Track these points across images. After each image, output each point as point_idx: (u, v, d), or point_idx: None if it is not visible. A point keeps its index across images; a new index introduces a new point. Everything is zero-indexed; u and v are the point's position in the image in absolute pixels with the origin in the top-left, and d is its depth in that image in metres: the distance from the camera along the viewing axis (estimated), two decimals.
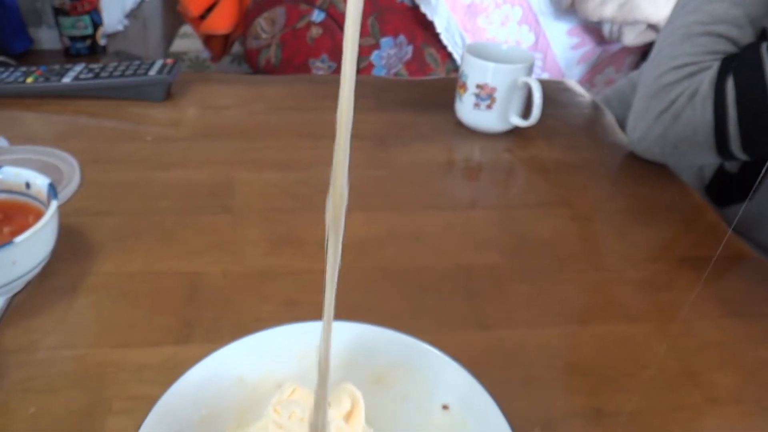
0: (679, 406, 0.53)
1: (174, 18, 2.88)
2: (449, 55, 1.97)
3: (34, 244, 0.57)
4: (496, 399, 0.42)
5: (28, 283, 0.61)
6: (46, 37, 3.31)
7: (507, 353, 0.57)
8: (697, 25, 0.82)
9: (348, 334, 0.45)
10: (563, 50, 2.05)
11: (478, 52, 0.93)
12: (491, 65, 0.88)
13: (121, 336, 0.56)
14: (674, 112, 0.81)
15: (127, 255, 0.66)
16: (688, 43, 0.83)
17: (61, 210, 0.71)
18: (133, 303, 0.60)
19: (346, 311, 0.43)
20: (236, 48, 2.46)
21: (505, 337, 0.59)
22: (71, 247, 0.66)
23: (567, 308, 0.63)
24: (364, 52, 2.00)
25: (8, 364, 0.53)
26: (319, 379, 0.35)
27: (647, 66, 0.89)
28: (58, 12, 3.13)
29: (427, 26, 1.92)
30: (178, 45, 2.66)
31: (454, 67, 1.96)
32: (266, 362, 0.43)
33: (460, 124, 0.96)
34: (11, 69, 1.01)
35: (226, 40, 2.41)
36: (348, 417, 0.38)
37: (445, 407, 0.43)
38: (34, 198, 0.63)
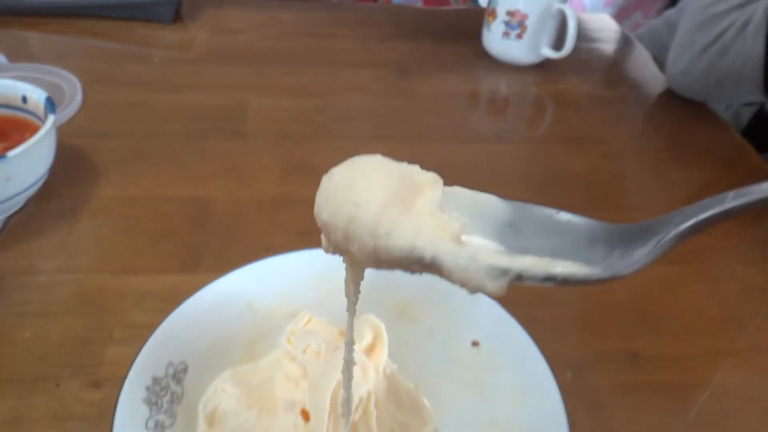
0: (723, 352, 0.49)
1: None
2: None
3: (30, 160, 0.52)
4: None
5: (26, 205, 0.57)
6: None
7: (536, 293, 0.53)
8: None
9: None
10: None
11: None
12: None
13: (123, 262, 0.53)
14: (722, 45, 0.75)
15: (131, 179, 0.62)
16: None
17: (62, 130, 0.66)
18: (137, 228, 0.56)
19: None
20: None
21: None
22: (72, 168, 0.62)
23: None
24: None
25: (3, 288, 0.49)
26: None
27: None
28: None
29: None
30: None
31: (475, 5, 1.87)
32: (278, 289, 0.39)
33: (485, 56, 0.90)
34: None
35: None
36: (370, 350, 0.34)
37: (474, 344, 0.39)
38: (32, 113, 0.59)
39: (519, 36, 0.85)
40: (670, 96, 0.84)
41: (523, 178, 0.67)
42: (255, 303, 0.40)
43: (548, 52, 0.86)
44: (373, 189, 0.17)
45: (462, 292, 0.40)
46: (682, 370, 0.48)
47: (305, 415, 0.32)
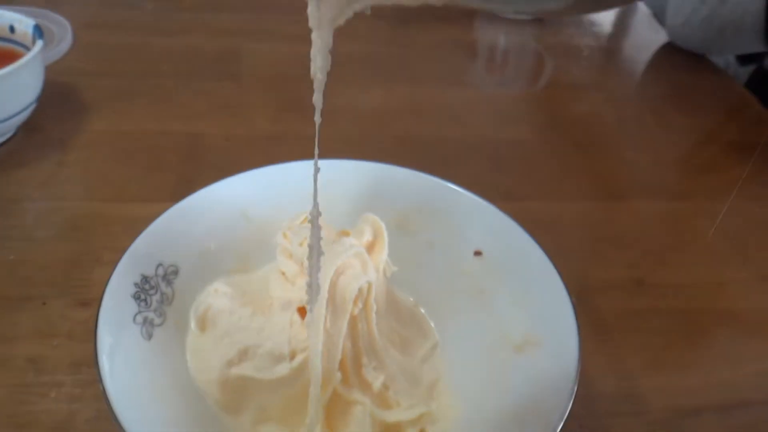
0: (729, 281, 0.48)
1: None
2: None
3: (16, 84, 0.51)
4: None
5: (13, 137, 0.55)
6: None
7: (538, 223, 0.51)
8: None
9: (365, 173, 0.40)
10: None
11: None
12: None
13: (114, 191, 0.51)
14: None
15: (123, 115, 0.60)
16: None
17: (52, 69, 0.65)
18: (128, 160, 0.55)
19: None
20: None
21: (536, 208, 0.53)
22: (61, 105, 0.60)
23: (604, 184, 0.57)
24: None
25: None
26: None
27: None
28: None
29: None
30: None
31: None
32: (273, 198, 0.37)
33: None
34: None
35: None
36: (369, 249, 0.33)
37: (477, 253, 0.37)
38: (19, 44, 0.57)
39: None
40: (670, 48, 0.82)
41: (525, 120, 0.65)
42: (249, 212, 0.38)
43: None
44: None
45: (463, 202, 0.38)
46: (688, 296, 0.46)
47: (302, 312, 0.30)
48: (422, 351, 0.35)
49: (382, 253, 0.33)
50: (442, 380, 0.35)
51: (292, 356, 0.29)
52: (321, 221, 0.34)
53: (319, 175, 0.39)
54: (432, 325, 0.38)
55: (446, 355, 0.36)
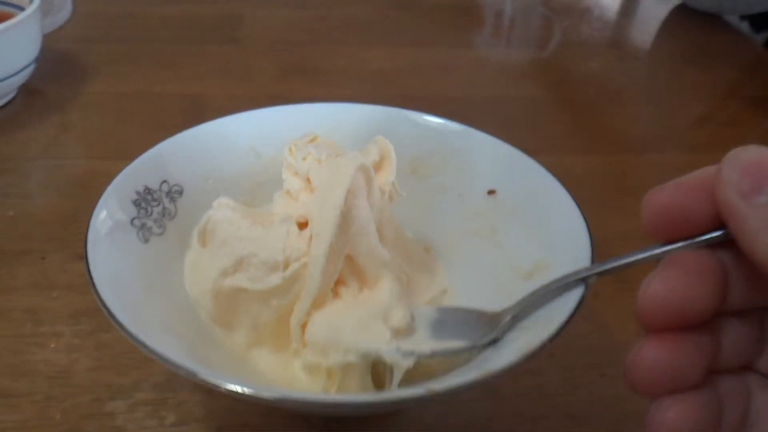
0: None
1: None
2: None
3: (12, 42, 0.49)
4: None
5: (12, 101, 0.54)
6: None
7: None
8: None
9: (377, 117, 0.38)
10: None
11: None
12: None
13: (114, 149, 0.50)
14: None
15: (122, 78, 0.59)
16: None
17: (51, 36, 0.64)
18: (128, 120, 0.53)
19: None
20: None
21: (549, 162, 0.51)
22: (61, 69, 0.59)
23: (618, 138, 0.55)
24: None
25: None
26: None
27: None
28: None
29: None
30: None
31: None
32: (283, 137, 0.36)
33: None
34: None
35: None
36: (376, 168, 0.31)
37: (491, 192, 0.36)
38: (16, 6, 0.55)
39: None
40: (684, 10, 0.80)
41: (535, 77, 0.63)
42: (258, 148, 0.37)
43: None
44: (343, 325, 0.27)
45: (480, 146, 0.37)
46: None
47: (300, 224, 0.29)
48: (428, 295, 0.34)
49: (389, 174, 0.31)
50: None
51: (286, 266, 0.28)
52: (327, 141, 0.33)
53: (329, 118, 0.38)
54: (441, 270, 0.36)
55: (455, 299, 0.34)
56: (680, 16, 0.80)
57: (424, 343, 0.27)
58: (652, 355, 0.20)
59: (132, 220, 0.30)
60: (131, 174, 0.31)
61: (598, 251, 0.43)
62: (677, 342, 0.19)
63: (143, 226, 0.30)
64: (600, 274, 0.26)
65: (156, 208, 0.32)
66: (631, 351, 0.20)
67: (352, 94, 0.61)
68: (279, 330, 0.29)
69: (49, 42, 0.58)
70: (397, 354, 0.26)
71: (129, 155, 0.49)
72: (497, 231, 0.35)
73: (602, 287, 0.40)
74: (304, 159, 0.30)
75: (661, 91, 0.63)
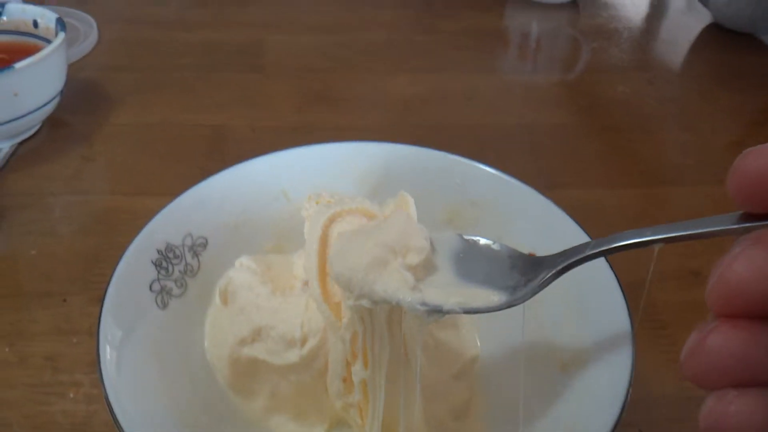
0: None
1: None
2: None
3: (38, 76, 0.49)
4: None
5: (38, 132, 0.54)
6: None
7: (582, 212, 0.48)
8: None
9: (411, 158, 0.37)
10: None
11: None
12: None
13: (137, 184, 0.50)
14: None
15: (146, 107, 0.59)
16: None
17: (77, 65, 0.64)
18: (151, 152, 0.53)
19: None
20: None
21: (579, 196, 0.50)
22: (85, 99, 0.59)
23: (650, 167, 0.53)
24: None
25: (10, 207, 0.47)
26: None
27: None
28: None
29: None
30: None
31: None
32: (315, 179, 0.35)
33: None
34: None
35: None
36: None
37: (530, 255, 0.34)
38: (42, 38, 0.55)
39: None
40: (715, 29, 0.78)
41: (563, 103, 0.62)
42: (290, 192, 0.36)
43: None
44: (359, 260, 0.24)
45: (517, 198, 0.35)
46: None
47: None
48: (458, 363, 0.32)
49: None
50: (474, 401, 0.31)
51: (303, 342, 0.27)
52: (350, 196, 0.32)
53: (363, 159, 0.37)
54: (475, 332, 0.35)
55: (485, 370, 0.33)
56: (712, 35, 0.77)
57: (448, 286, 0.24)
58: (722, 343, 0.17)
59: (151, 285, 0.29)
60: (153, 231, 0.31)
61: (633, 295, 0.42)
62: (753, 331, 0.17)
63: (162, 289, 0.30)
64: (668, 240, 0.24)
65: (177, 266, 0.31)
66: (692, 337, 0.18)
67: (376, 124, 0.60)
68: (299, 399, 0.28)
69: (74, 71, 0.59)
70: (420, 309, 0.23)
71: (152, 191, 0.49)
72: (534, 299, 0.33)
73: (638, 335, 0.39)
74: (317, 203, 0.29)
75: (694, 117, 0.61)
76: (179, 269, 0.31)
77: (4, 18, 0.57)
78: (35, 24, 0.56)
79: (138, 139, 0.54)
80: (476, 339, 0.34)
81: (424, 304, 0.23)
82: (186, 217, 0.33)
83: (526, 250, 0.34)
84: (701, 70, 0.71)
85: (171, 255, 0.31)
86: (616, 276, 0.31)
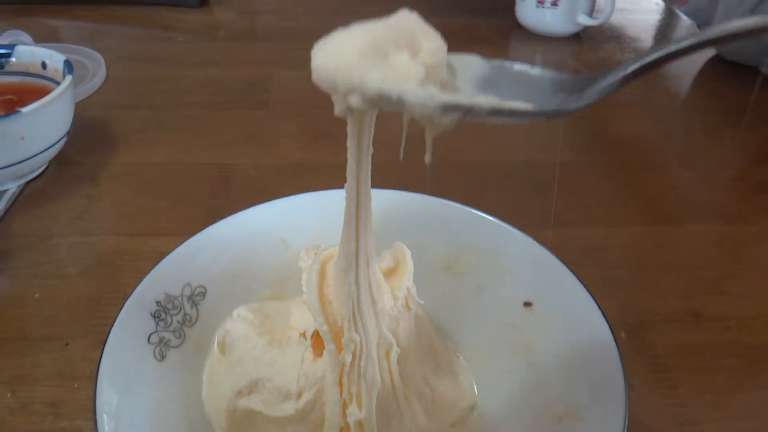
0: None
1: None
2: None
3: (45, 120, 0.50)
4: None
5: (44, 172, 0.55)
6: None
7: (584, 252, 0.49)
8: None
9: (410, 205, 0.37)
10: None
11: None
12: None
13: (141, 225, 0.50)
14: None
15: (152, 146, 0.59)
16: None
17: (84, 104, 0.65)
18: (156, 192, 0.54)
19: None
20: None
21: (582, 235, 0.50)
22: (92, 138, 0.60)
23: (653, 207, 0.53)
24: None
25: (16, 249, 0.47)
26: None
27: None
28: None
29: None
30: None
31: None
32: (314, 227, 0.35)
33: (520, 28, 0.86)
34: None
35: None
36: (389, 274, 0.30)
37: (527, 304, 0.34)
38: (51, 79, 0.57)
39: (554, 4, 0.80)
40: (719, 62, 0.78)
41: (566, 140, 0.62)
42: (289, 240, 0.36)
43: (585, 20, 0.81)
44: (350, 46, 0.20)
45: (515, 246, 0.35)
46: (751, 329, 0.42)
47: (317, 347, 0.28)
48: (455, 411, 0.32)
49: (402, 280, 0.30)
50: None
51: (299, 395, 0.27)
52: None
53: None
54: (473, 380, 0.35)
55: (482, 419, 0.33)
56: (716, 69, 0.78)
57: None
58: None
59: (149, 337, 0.30)
60: (152, 283, 0.31)
61: (632, 337, 0.42)
62: None
63: (161, 341, 0.30)
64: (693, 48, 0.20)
65: (176, 316, 0.31)
66: None
67: (379, 162, 0.60)
68: None
69: (81, 109, 0.59)
70: (432, 101, 0.18)
71: (156, 231, 0.49)
72: (531, 349, 0.33)
73: (638, 379, 0.38)
74: (315, 254, 0.29)
75: (698, 153, 0.61)
76: (178, 320, 0.31)
77: (14, 59, 0.58)
78: (44, 65, 0.57)
79: (143, 178, 0.55)
80: (474, 387, 0.34)
81: (434, 97, 0.18)
82: (185, 267, 0.33)
83: (521, 300, 0.34)
84: (705, 104, 0.71)
85: (170, 306, 0.31)
86: (609, 326, 0.31)
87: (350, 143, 0.23)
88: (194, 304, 0.32)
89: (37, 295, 0.43)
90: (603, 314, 0.31)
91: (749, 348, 0.41)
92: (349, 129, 0.24)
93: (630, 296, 0.45)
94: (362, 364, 0.26)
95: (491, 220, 0.36)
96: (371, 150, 0.24)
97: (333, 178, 0.56)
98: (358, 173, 0.24)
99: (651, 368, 0.40)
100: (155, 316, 0.30)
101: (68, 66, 0.54)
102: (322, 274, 0.27)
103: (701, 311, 0.44)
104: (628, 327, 0.43)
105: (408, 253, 0.30)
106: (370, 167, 0.24)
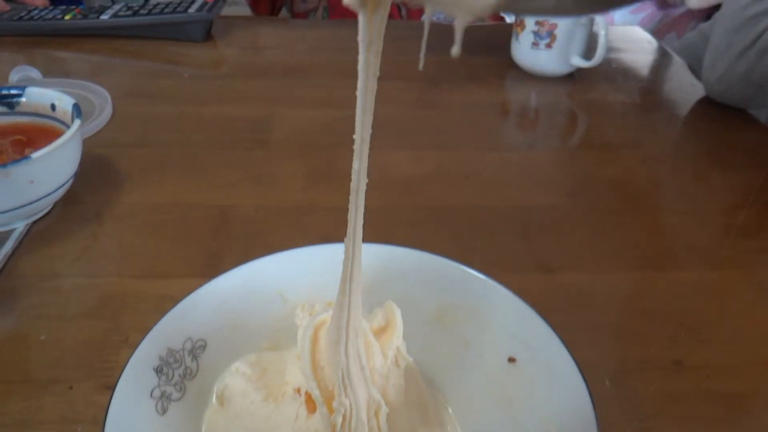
0: None
1: None
2: (501, 19, 1.87)
3: (54, 164, 0.52)
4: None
5: (51, 210, 0.57)
6: None
7: (571, 297, 0.50)
8: None
9: (403, 261, 0.39)
10: (622, 14, 1.92)
11: None
12: None
13: (144, 266, 0.52)
14: (761, 47, 0.72)
15: (155, 186, 0.61)
16: None
17: (91, 141, 0.67)
18: (159, 233, 0.55)
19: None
20: (283, 14, 2.41)
21: (568, 281, 0.52)
22: (98, 176, 0.62)
23: (639, 253, 0.55)
24: (413, 16, 1.92)
25: (22, 290, 0.49)
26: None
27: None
28: None
29: None
30: (226, 11, 2.64)
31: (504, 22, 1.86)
32: (312, 282, 0.37)
33: (516, 67, 0.88)
34: (51, 7, 0.98)
35: (273, 4, 2.35)
36: (379, 333, 0.32)
37: (511, 360, 0.36)
38: (59, 121, 0.59)
39: (548, 46, 0.83)
40: (708, 103, 0.81)
41: (556, 183, 0.64)
42: (287, 294, 0.38)
43: (579, 62, 0.84)
44: None
45: (501, 302, 0.37)
46: (732, 378, 0.44)
47: (310, 404, 0.30)
48: None
49: (392, 339, 0.32)
50: None
51: None
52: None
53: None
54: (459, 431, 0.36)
55: None
56: (704, 110, 0.80)
57: None
58: None
59: (152, 392, 0.31)
60: (156, 338, 0.33)
61: (616, 384, 0.43)
62: None
63: (162, 394, 0.32)
64: None
65: (177, 370, 0.33)
66: None
67: (377, 205, 0.62)
68: None
69: (88, 147, 0.61)
70: None
71: (158, 273, 0.51)
72: (513, 403, 0.34)
73: (620, 428, 0.40)
74: (309, 314, 0.31)
75: (684, 198, 0.63)
76: (179, 373, 0.33)
77: (24, 99, 0.60)
78: (53, 107, 0.59)
79: (146, 218, 0.57)
80: None
81: None
82: (187, 322, 0.34)
83: (506, 355, 0.36)
84: (693, 147, 0.73)
85: (171, 360, 0.33)
86: (586, 384, 0.32)
87: (361, 43, 0.23)
88: (195, 357, 0.34)
89: (42, 337, 0.45)
90: (580, 372, 0.32)
91: (729, 397, 0.43)
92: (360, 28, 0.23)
93: (615, 343, 0.47)
94: (352, 425, 0.27)
95: (478, 277, 0.38)
96: (379, 58, 0.23)
97: (333, 220, 0.58)
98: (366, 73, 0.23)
99: (633, 416, 0.41)
100: (158, 370, 0.32)
101: (77, 110, 0.56)
102: (314, 340, 0.29)
103: (683, 359, 0.45)
104: (613, 374, 0.44)
105: (398, 313, 0.32)
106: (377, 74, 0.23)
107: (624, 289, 0.51)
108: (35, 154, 0.50)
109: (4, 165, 0.48)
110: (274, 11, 2.41)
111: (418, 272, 0.38)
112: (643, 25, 2.00)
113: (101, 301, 0.48)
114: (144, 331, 0.45)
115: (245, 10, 2.45)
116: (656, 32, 1.99)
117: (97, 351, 0.44)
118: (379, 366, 0.30)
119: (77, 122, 0.55)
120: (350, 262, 0.27)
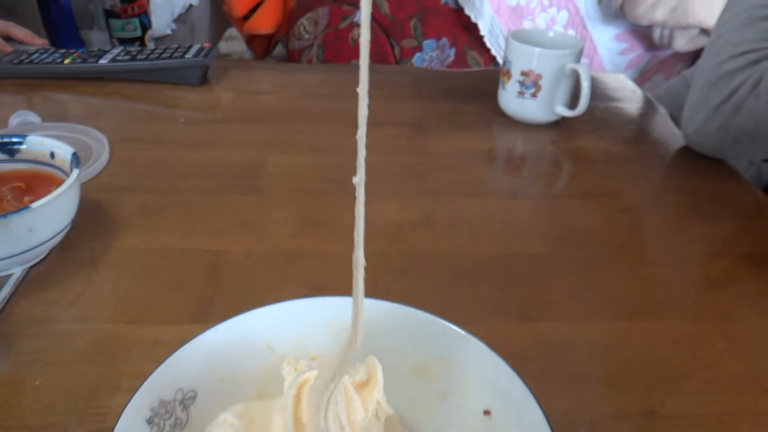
0: (746, 411, 0.47)
1: (220, 22, 2.91)
2: (493, 59, 1.92)
3: (52, 213, 0.54)
4: (538, 399, 0.36)
5: (47, 255, 0.59)
6: (97, 39, 3.35)
7: (550, 347, 0.52)
8: (760, 8, 0.76)
9: (385, 314, 0.41)
10: (611, 56, 1.97)
11: (524, 38, 0.88)
12: (537, 50, 0.84)
13: (137, 312, 0.53)
14: (735, 103, 0.75)
15: (150, 231, 0.63)
16: (750, 28, 0.76)
17: (87, 186, 0.69)
18: (152, 279, 0.57)
19: (376, 296, 0.39)
20: (279, 50, 2.46)
21: (548, 330, 0.54)
22: (94, 221, 0.64)
23: (617, 303, 0.57)
24: (406, 54, 1.96)
25: (18, 335, 0.50)
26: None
27: (705, 54, 0.83)
28: (109, 14, 3.17)
29: (471, 29, 1.87)
30: (223, 47, 2.69)
31: (496, 67, 1.90)
32: (299, 334, 0.39)
33: (502, 115, 0.91)
34: (51, 50, 1.00)
35: (269, 41, 2.40)
36: (361, 387, 0.33)
37: (486, 413, 0.38)
38: (58, 168, 0.61)
39: (534, 95, 0.86)
40: (688, 152, 0.84)
41: (538, 232, 0.66)
42: (274, 345, 0.40)
43: (563, 111, 0.87)
44: None
45: (477, 356, 0.39)
46: (704, 428, 0.46)
47: None
48: None
49: (373, 393, 0.33)
50: None
51: None
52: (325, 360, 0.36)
53: (344, 315, 0.40)
54: None
55: None
56: (683, 160, 0.83)
57: None
58: None
59: None
60: (149, 389, 0.34)
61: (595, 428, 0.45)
62: None
63: None
64: None
65: (168, 420, 0.34)
66: None
67: (366, 252, 0.64)
68: None
69: (84, 192, 0.63)
70: None
71: (150, 319, 0.53)
72: None
73: None
74: (295, 369, 0.33)
75: (662, 248, 0.66)
76: (170, 423, 0.34)
77: (24, 146, 0.62)
78: (52, 155, 0.61)
79: (140, 264, 0.59)
80: None
81: None
82: (178, 373, 0.36)
83: (482, 407, 0.38)
84: (673, 197, 0.76)
85: (163, 411, 0.34)
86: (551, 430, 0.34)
87: None
88: (185, 408, 0.36)
89: (37, 383, 0.46)
90: (549, 425, 0.34)
91: None
92: None
93: (592, 392, 0.49)
94: None
95: (457, 331, 0.39)
96: None
97: (321, 268, 0.60)
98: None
99: None
100: (149, 421, 0.34)
101: (76, 159, 0.59)
102: (297, 398, 0.30)
103: (656, 409, 0.47)
104: (587, 423, 0.46)
105: (379, 368, 0.34)
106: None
107: (601, 339, 0.53)
108: (35, 204, 0.52)
109: (5, 215, 0.50)
110: (269, 48, 2.47)
111: (400, 326, 0.40)
112: (632, 66, 2.05)
113: (95, 346, 0.50)
114: (136, 377, 0.46)
115: (243, 46, 2.50)
116: (644, 73, 2.05)
117: (91, 396, 0.45)
118: (360, 419, 0.32)
119: (76, 171, 0.57)
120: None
